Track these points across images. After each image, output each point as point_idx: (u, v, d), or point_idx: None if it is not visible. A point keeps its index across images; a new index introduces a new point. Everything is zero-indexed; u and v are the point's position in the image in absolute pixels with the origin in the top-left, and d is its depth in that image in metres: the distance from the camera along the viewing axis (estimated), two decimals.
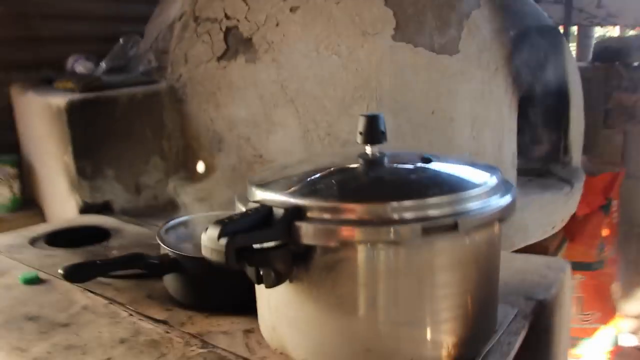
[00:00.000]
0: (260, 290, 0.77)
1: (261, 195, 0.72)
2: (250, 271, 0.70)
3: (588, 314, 2.12)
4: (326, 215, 0.66)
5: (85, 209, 1.48)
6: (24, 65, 1.84)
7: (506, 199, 0.72)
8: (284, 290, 0.71)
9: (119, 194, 1.53)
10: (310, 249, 0.68)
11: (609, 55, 2.45)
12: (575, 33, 3.32)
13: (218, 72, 1.56)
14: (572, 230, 2.00)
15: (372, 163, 0.76)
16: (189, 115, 1.61)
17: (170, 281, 0.97)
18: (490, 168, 0.77)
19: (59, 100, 1.45)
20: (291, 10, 1.52)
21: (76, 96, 1.46)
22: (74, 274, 0.85)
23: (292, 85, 1.49)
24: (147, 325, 0.91)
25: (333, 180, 0.72)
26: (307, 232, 0.66)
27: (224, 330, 0.87)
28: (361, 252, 0.66)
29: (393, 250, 0.66)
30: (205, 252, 0.67)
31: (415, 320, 0.69)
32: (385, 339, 0.69)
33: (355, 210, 0.66)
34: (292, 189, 0.70)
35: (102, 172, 1.49)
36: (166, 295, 0.99)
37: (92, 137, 1.46)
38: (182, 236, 1.04)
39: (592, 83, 1.99)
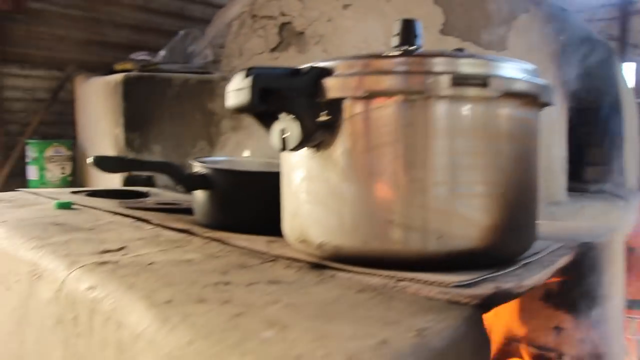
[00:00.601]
0: (285, 171, 0.74)
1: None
2: (275, 133, 0.68)
3: None
4: (353, 70, 0.65)
5: (129, 182, 1.51)
6: (90, 66, 1.97)
7: (543, 81, 0.69)
8: (309, 161, 0.69)
9: None
10: (336, 109, 0.66)
11: None
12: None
13: (270, 62, 1.61)
14: (629, 263, 1.85)
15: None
16: None
17: (199, 202, 0.95)
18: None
19: (117, 76, 1.53)
20: (344, 7, 1.58)
21: (133, 73, 1.53)
22: (102, 162, 0.85)
23: None
24: (169, 232, 0.89)
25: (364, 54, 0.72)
26: (333, 85, 0.65)
27: (246, 239, 0.84)
28: (389, 107, 0.64)
29: (423, 104, 0.63)
30: (231, 98, 0.66)
31: (446, 189, 0.63)
32: (412, 209, 0.63)
33: (383, 64, 0.65)
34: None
35: (149, 147, 1.52)
36: (194, 222, 0.97)
37: (144, 112, 1.52)
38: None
39: None
